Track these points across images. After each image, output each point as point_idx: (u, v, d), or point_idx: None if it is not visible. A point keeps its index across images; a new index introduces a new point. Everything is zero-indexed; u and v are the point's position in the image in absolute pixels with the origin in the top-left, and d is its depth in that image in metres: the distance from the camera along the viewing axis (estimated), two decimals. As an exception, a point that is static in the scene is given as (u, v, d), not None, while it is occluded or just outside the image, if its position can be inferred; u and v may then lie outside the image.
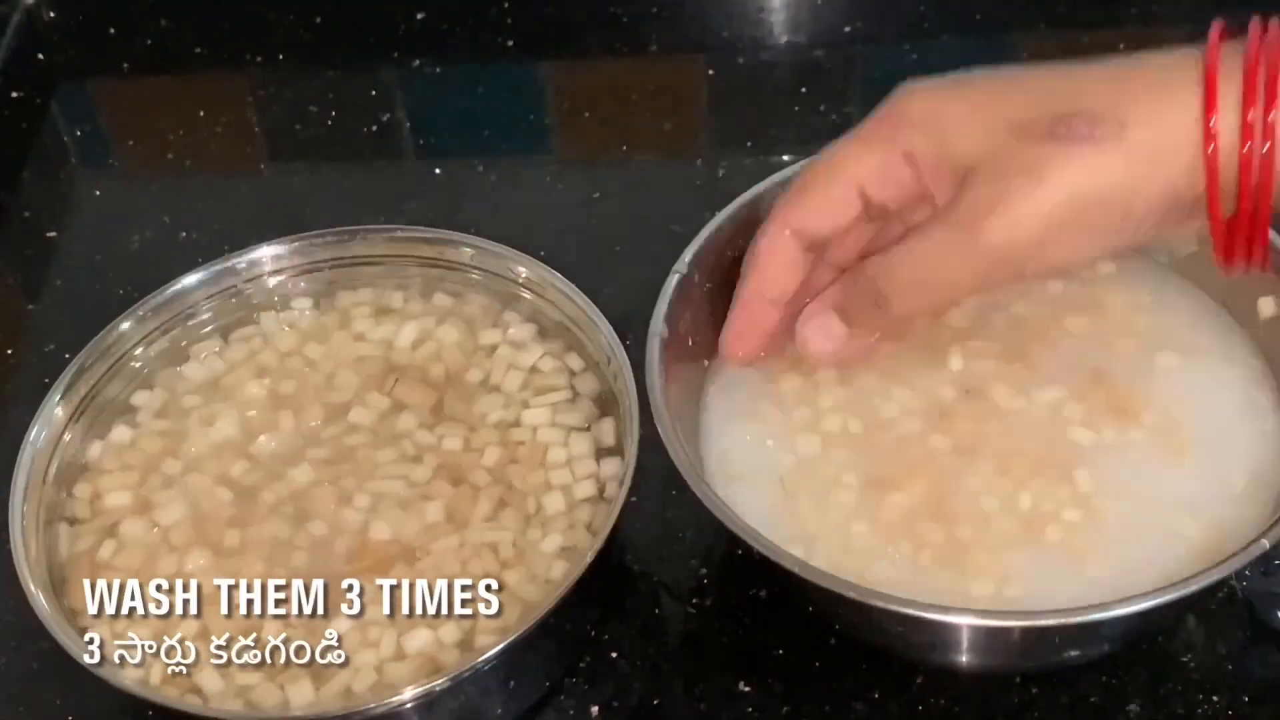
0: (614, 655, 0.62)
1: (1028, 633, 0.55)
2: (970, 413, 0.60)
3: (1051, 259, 0.53)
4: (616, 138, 0.86)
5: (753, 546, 0.54)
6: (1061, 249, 0.52)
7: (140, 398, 0.67)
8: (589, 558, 0.57)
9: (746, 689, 0.60)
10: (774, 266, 0.58)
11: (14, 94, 0.92)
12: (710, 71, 0.90)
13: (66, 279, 0.81)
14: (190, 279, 0.69)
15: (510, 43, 0.92)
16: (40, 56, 0.95)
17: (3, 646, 0.64)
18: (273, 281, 0.70)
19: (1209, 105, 0.49)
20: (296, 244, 0.70)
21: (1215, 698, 0.59)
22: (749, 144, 0.84)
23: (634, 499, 0.59)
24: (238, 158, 0.89)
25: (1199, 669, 0.60)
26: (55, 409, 0.64)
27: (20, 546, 0.59)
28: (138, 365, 0.68)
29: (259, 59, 0.92)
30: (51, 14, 0.96)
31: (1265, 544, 0.53)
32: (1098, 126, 0.50)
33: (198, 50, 0.93)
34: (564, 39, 0.93)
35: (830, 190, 0.56)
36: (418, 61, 0.91)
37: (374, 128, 0.87)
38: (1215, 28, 0.51)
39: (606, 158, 0.86)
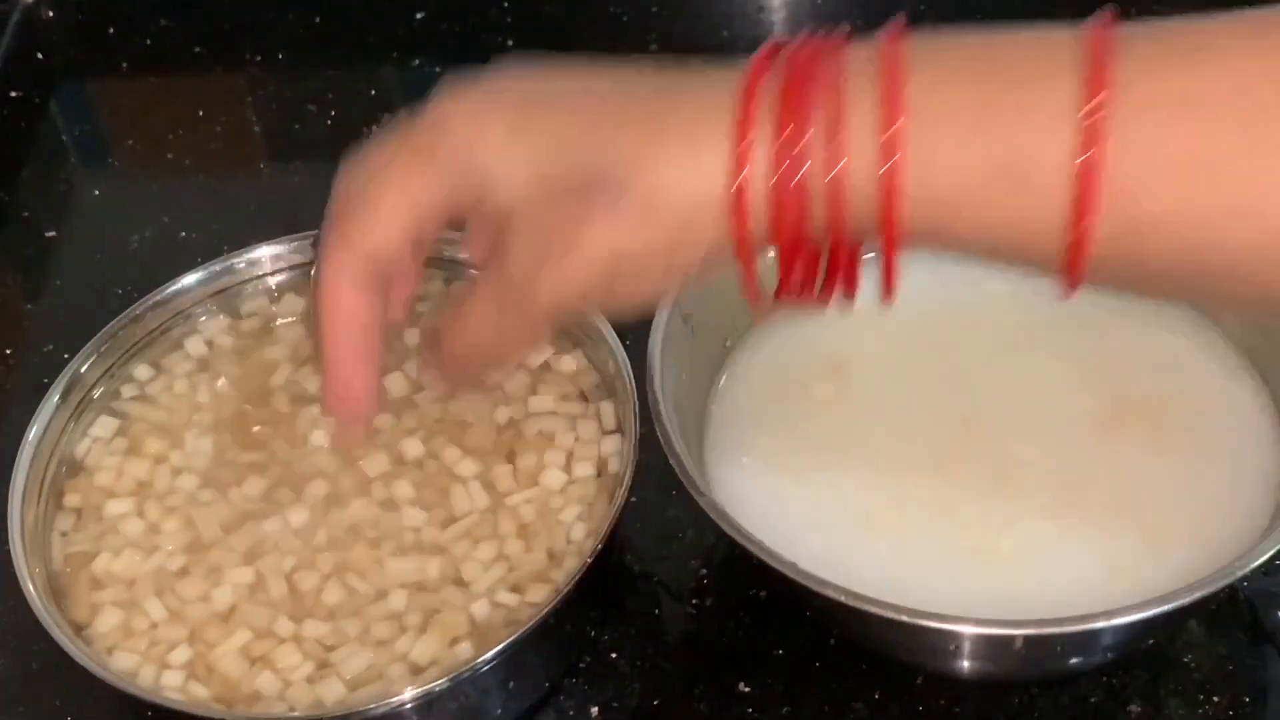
0: (614, 655, 0.62)
1: (1028, 641, 0.55)
2: None
3: (608, 305, 0.51)
4: (616, 137, 0.86)
5: (749, 549, 0.55)
6: (614, 298, 0.50)
7: (137, 397, 0.67)
8: (589, 558, 0.57)
9: (746, 689, 0.60)
10: (346, 310, 0.51)
11: (13, 93, 0.91)
12: (710, 71, 0.90)
13: (66, 279, 0.81)
14: (189, 279, 0.69)
15: (510, 43, 0.92)
16: (39, 56, 0.95)
17: (2, 647, 0.64)
18: (272, 281, 0.70)
19: (740, 159, 0.46)
20: (296, 243, 0.70)
21: (1215, 698, 0.59)
22: (749, 144, 0.84)
23: (634, 499, 0.59)
24: (237, 157, 0.89)
25: (1199, 669, 0.60)
26: (54, 409, 0.64)
27: (19, 547, 0.59)
28: (137, 365, 0.68)
29: (258, 58, 0.92)
30: (50, 13, 0.96)
31: (1269, 551, 0.53)
32: (623, 196, 0.48)
33: (197, 50, 0.93)
34: (564, 39, 0.93)
35: (381, 207, 0.51)
36: (417, 61, 0.91)
37: (373, 127, 0.87)
38: (759, 54, 0.49)
39: (606, 157, 0.86)
